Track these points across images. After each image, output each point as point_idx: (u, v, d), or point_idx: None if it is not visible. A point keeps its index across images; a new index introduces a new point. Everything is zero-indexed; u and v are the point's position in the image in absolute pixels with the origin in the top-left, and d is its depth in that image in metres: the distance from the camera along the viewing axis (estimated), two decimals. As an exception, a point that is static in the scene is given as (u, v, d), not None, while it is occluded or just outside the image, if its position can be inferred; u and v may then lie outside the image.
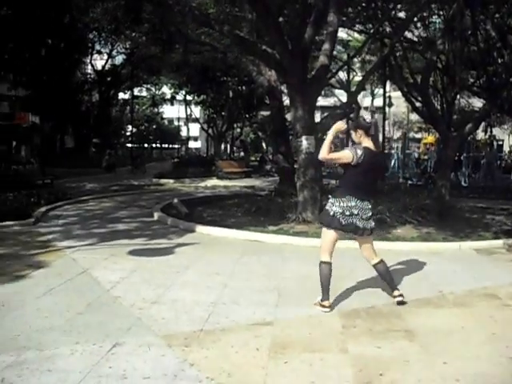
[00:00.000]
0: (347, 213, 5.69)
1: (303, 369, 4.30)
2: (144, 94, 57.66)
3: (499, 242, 9.97)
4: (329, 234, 5.86)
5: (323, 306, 5.80)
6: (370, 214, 5.87)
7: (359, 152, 5.68)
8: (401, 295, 6.04)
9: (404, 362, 4.48)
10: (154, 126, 65.97)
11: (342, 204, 5.72)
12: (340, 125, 5.92)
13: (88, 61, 43.09)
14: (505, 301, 6.41)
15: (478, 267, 8.33)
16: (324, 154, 5.86)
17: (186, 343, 4.78)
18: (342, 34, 29.72)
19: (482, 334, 5.22)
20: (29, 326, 5.18)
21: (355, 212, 5.71)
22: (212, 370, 4.21)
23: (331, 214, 5.75)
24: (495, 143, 41.78)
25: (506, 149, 51.47)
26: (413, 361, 4.50)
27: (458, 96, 31.86)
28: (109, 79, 42.73)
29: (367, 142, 5.80)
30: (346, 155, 5.77)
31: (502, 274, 7.91)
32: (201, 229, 10.84)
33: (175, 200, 13.65)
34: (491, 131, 45.48)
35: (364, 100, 50.04)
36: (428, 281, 7.24)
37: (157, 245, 9.48)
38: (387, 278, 6.10)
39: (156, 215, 12.76)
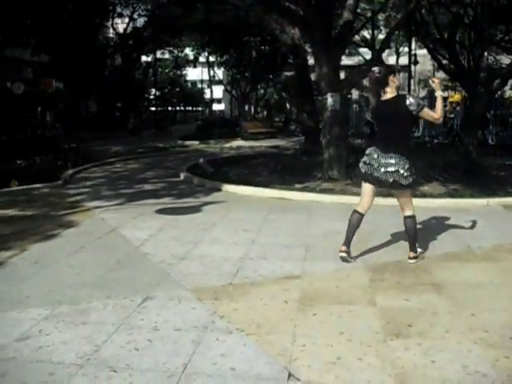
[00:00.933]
0: (367, 162, 5.75)
1: (332, 320, 4.34)
2: (167, 56, 57.19)
3: (527, 198, 9.87)
4: (362, 186, 5.95)
5: (340, 251, 5.87)
6: (390, 168, 5.62)
7: (370, 106, 5.88)
8: (415, 258, 5.96)
9: (432, 313, 4.49)
10: (178, 89, 65.64)
11: (366, 153, 5.83)
12: None
13: (109, 24, 42.84)
14: (534, 255, 6.38)
15: (506, 223, 8.28)
16: None
17: (216, 297, 4.85)
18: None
19: (510, 288, 5.21)
20: (62, 281, 5.29)
21: (373, 163, 5.68)
22: (242, 322, 4.27)
23: (360, 165, 5.87)
24: (524, 100, 40.92)
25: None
26: (441, 313, 4.51)
27: (486, 52, 31.30)
28: (131, 42, 42.44)
29: (381, 93, 5.77)
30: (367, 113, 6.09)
31: (530, 229, 7.86)
32: (227, 187, 10.89)
33: (201, 160, 13.71)
34: (520, 88, 44.59)
35: (389, 58, 49.28)
36: (456, 236, 7.20)
37: (183, 203, 9.55)
38: (411, 234, 5.98)
39: (182, 175, 12.83)
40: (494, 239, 7.09)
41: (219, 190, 10.87)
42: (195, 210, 8.96)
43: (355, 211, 5.91)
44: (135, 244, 6.76)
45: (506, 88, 41.44)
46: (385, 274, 5.54)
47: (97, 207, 9.24)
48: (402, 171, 5.62)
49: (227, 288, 5.09)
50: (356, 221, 5.88)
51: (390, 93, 5.71)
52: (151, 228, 7.61)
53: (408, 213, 5.90)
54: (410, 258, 5.97)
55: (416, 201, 9.08)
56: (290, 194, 10.08)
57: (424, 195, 9.90)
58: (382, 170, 5.64)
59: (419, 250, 6.10)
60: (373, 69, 5.81)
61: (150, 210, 8.95)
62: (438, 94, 5.77)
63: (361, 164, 5.84)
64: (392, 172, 5.64)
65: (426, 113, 5.69)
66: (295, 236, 7.18)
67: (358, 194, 9.23)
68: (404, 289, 5.12)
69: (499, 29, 24.08)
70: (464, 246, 6.70)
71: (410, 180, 5.71)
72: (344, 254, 5.85)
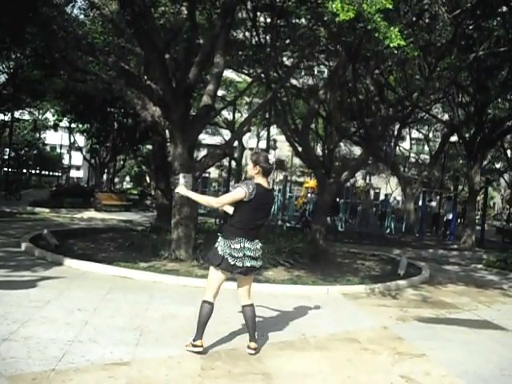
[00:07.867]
0: (239, 255, 5.54)
1: (154, 412, 4.20)
2: (26, 117, 55.43)
3: (364, 287, 10.35)
4: (216, 274, 5.68)
5: (195, 346, 5.64)
6: (261, 252, 5.76)
7: (251, 187, 5.52)
8: (255, 349, 5.83)
9: (257, 405, 4.49)
10: (35, 152, 63.45)
11: (233, 246, 5.55)
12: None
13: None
14: (364, 345, 6.63)
15: (343, 311, 8.59)
16: (214, 201, 5.95)
17: (34, 384, 4.53)
18: (232, 74, 30.21)
19: (339, 377, 5.37)
20: None
21: (247, 253, 5.57)
22: (57, 414, 4.01)
23: (221, 255, 5.55)
24: (372, 191, 43.72)
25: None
26: (266, 404, 4.52)
27: (342, 144, 33.27)
28: (-13, 99, 40.74)
29: (261, 180, 5.66)
30: (239, 192, 5.55)
31: (364, 318, 8.21)
32: (69, 262, 10.42)
33: (45, 231, 13.11)
34: (370, 179, 47.69)
35: (249, 141, 50.94)
36: (293, 324, 7.33)
37: (19, 277, 8.99)
38: (250, 324, 5.86)
39: (23, 245, 12.16)
40: (329, 328, 7.33)
41: (61, 264, 10.38)
42: (30, 284, 8.43)
43: (207, 302, 5.70)
44: (-45, 321, 6.22)
45: (359, 178, 44.18)
46: (217, 362, 5.49)
47: None
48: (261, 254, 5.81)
49: (49, 374, 4.78)
50: (209, 311, 5.69)
51: (265, 182, 5.74)
52: (-24, 304, 7.06)
53: (249, 301, 5.86)
54: (249, 347, 5.84)
55: (258, 286, 9.28)
56: (133, 273, 9.81)
57: (267, 280, 10.06)
58: (256, 256, 5.67)
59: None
60: (268, 155, 5.73)
61: (-21, 282, 8.33)
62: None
63: (228, 256, 5.52)
64: (260, 256, 5.75)
65: None
66: (132, 318, 6.96)
67: (203, 277, 9.30)
68: (234, 378, 5.10)
69: (352, 124, 25.78)
70: (299, 335, 6.83)
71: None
72: (200, 349, 5.67)
